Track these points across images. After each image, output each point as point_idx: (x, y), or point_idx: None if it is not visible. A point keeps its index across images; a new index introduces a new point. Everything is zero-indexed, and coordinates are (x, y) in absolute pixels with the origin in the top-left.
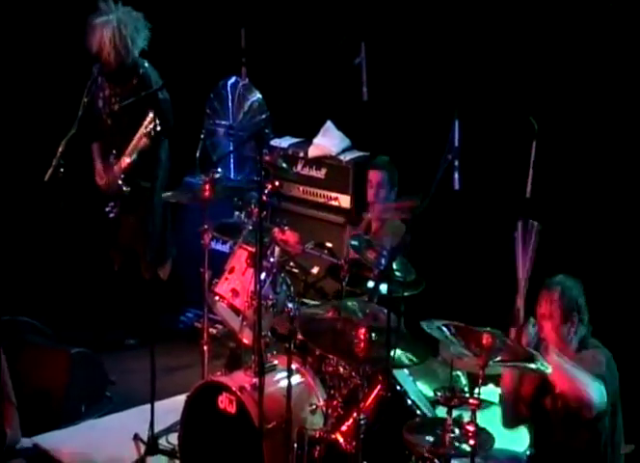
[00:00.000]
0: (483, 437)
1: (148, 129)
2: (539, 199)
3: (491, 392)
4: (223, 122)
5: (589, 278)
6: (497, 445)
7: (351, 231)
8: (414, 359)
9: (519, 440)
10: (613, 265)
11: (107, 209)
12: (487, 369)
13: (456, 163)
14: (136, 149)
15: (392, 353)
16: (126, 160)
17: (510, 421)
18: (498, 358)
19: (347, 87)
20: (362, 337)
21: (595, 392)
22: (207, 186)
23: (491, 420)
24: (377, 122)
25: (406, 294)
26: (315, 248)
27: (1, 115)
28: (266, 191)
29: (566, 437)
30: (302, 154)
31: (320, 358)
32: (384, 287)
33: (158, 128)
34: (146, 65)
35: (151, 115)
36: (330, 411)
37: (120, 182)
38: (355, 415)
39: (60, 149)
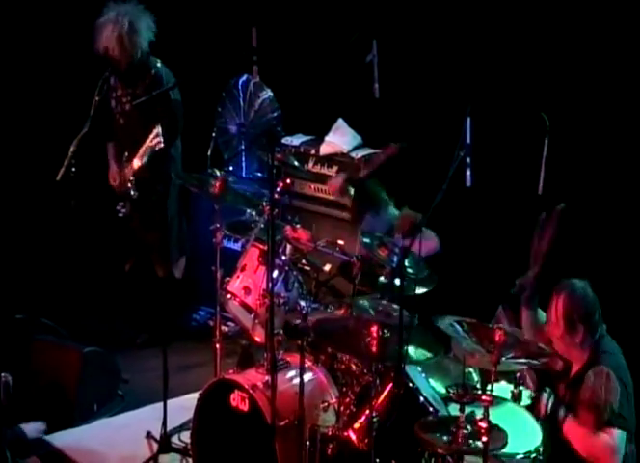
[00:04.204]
0: (495, 434)
1: (154, 143)
2: (551, 195)
3: (503, 388)
4: (234, 121)
5: (600, 276)
6: (510, 441)
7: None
8: (428, 354)
9: (531, 437)
10: (626, 263)
11: (117, 208)
12: (499, 366)
13: (468, 160)
14: (147, 152)
15: (405, 349)
16: (137, 163)
17: None
18: (511, 354)
19: (359, 84)
20: (375, 334)
21: (614, 454)
22: (218, 184)
23: (503, 416)
24: (389, 120)
25: (418, 292)
26: (327, 245)
27: (13, 114)
28: (277, 189)
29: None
30: (313, 152)
31: (332, 356)
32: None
33: (162, 145)
34: (159, 64)
35: (157, 130)
36: (342, 408)
37: (129, 185)
38: (367, 412)
39: (72, 149)
